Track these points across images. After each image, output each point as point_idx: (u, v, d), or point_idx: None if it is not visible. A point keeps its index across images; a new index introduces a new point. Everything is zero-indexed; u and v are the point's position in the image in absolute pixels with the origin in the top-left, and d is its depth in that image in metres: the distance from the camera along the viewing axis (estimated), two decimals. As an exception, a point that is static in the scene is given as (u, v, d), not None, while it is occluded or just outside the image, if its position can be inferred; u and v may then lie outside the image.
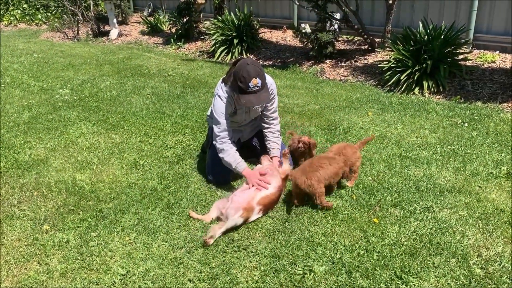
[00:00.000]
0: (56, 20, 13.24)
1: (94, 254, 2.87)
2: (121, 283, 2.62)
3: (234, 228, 3.06)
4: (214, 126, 3.53)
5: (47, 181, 3.85)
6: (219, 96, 3.50)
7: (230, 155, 3.49)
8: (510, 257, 2.69)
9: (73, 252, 2.90)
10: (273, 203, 3.31)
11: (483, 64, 6.41)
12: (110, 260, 2.81)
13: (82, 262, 2.81)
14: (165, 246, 2.93)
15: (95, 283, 2.62)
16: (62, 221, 3.25)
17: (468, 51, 6.70)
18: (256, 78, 3.24)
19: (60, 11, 13.60)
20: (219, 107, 3.50)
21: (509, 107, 5.25)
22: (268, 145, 3.81)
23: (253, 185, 3.31)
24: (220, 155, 3.51)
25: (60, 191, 3.69)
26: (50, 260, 2.83)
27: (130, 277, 2.66)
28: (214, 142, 3.55)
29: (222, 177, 3.69)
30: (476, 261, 2.68)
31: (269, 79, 3.57)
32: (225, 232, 3.01)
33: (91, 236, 3.06)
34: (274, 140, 3.81)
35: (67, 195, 3.61)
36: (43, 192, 3.67)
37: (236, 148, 3.57)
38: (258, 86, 3.27)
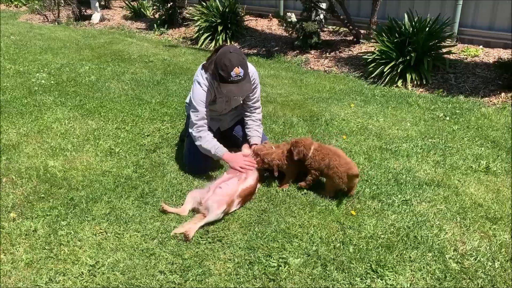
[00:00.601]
0: (36, 2, 12.83)
1: (62, 244, 2.77)
2: (89, 274, 2.53)
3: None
4: (191, 113, 3.42)
5: (17, 167, 3.71)
6: (198, 83, 3.40)
7: (208, 141, 3.40)
8: (486, 252, 2.68)
9: (41, 241, 2.79)
10: (251, 195, 3.24)
11: (466, 58, 6.41)
12: (79, 250, 2.71)
13: (49, 251, 2.70)
14: (137, 237, 2.84)
15: (62, 274, 2.52)
16: (30, 209, 3.13)
17: (452, 44, 6.69)
18: (238, 67, 3.13)
19: (40, -7, 13.19)
20: (198, 94, 3.39)
21: (490, 101, 5.26)
22: (248, 133, 3.73)
23: (240, 168, 3.24)
24: (197, 143, 3.42)
25: (30, 177, 3.55)
26: (16, 249, 2.72)
27: (99, 268, 2.57)
28: (190, 130, 3.45)
29: (199, 167, 3.59)
30: (452, 256, 2.65)
31: (251, 68, 3.47)
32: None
33: (61, 225, 2.95)
34: (255, 128, 3.73)
35: (38, 182, 3.48)
36: (13, 178, 3.54)
37: (213, 134, 3.47)
38: (240, 76, 3.16)
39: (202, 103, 3.39)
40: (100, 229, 2.91)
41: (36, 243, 2.77)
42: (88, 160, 3.86)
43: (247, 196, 3.18)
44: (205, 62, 3.44)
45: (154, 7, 10.79)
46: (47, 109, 5.03)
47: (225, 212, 2.99)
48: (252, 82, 3.51)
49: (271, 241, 2.78)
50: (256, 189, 3.31)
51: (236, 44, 8.68)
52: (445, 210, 3.10)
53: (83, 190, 3.37)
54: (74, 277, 2.50)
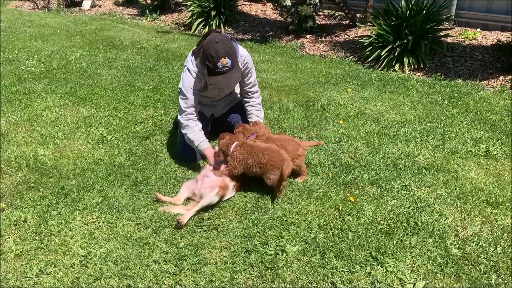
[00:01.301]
0: (26, -12, 12.58)
1: (53, 234, 2.69)
2: (80, 264, 2.45)
3: (206, 207, 2.90)
4: (180, 100, 3.32)
5: (6, 156, 3.61)
6: (188, 70, 3.29)
7: (194, 132, 3.31)
8: (488, 237, 2.62)
9: (31, 231, 2.71)
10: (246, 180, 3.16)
11: (464, 41, 6.31)
12: (70, 240, 2.63)
13: (39, 242, 2.62)
14: (130, 226, 2.76)
15: (53, 265, 2.44)
16: (20, 199, 3.04)
17: (449, 27, 6.59)
18: (225, 58, 3.00)
19: (29, -21, 12.90)
20: (188, 81, 3.28)
21: (489, 84, 5.18)
22: (249, 119, 3.64)
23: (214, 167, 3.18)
24: (184, 131, 3.33)
25: (20, 166, 3.45)
26: (5, 240, 2.64)
27: (91, 258, 2.49)
28: (179, 117, 3.36)
29: (191, 155, 3.50)
30: (454, 241, 2.59)
31: (243, 52, 3.36)
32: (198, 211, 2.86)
33: (51, 214, 2.87)
34: (255, 113, 3.64)
35: (28, 171, 3.38)
36: (2, 167, 3.44)
37: (201, 127, 3.37)
38: (227, 66, 3.03)
39: (191, 90, 3.28)
40: (92, 218, 2.83)
41: (26, 234, 2.69)
42: (79, 148, 3.76)
43: (241, 181, 3.10)
44: (195, 48, 3.32)
45: (146, -7, 10.58)
46: (37, 97, 4.91)
47: (220, 196, 2.92)
48: (245, 67, 3.41)
49: (268, 228, 2.71)
50: None
51: (230, 30, 8.53)
52: (445, 195, 3.04)
53: (74, 179, 3.28)
54: (66, 268, 2.42)
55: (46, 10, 11.14)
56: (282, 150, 3.05)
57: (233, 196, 3.05)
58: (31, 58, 6.53)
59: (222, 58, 2.99)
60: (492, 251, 2.51)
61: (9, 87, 5.21)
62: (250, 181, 3.17)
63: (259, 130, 3.36)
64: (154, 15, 9.74)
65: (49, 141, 3.89)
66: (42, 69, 5.99)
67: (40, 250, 2.55)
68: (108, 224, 2.77)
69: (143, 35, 8.27)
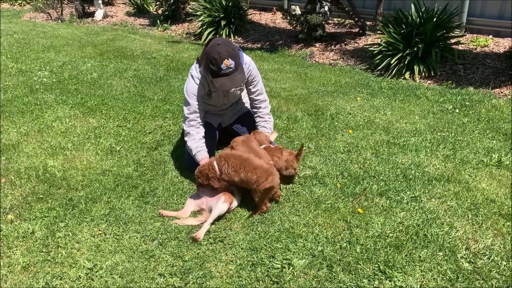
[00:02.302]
0: (40, 0, 12.80)
1: (60, 246, 2.69)
2: (86, 277, 2.45)
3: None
4: (184, 107, 3.34)
5: (16, 168, 3.64)
6: (191, 76, 3.32)
7: (194, 140, 3.30)
8: (500, 251, 2.56)
9: (38, 244, 2.72)
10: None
11: (475, 49, 6.23)
12: (76, 253, 2.64)
13: (46, 254, 2.63)
14: (136, 238, 2.75)
15: (59, 278, 2.44)
16: (28, 211, 3.06)
17: (460, 34, 6.51)
18: (228, 59, 3.02)
19: (43, -10, 13.13)
20: (190, 87, 3.30)
21: (501, 92, 5.10)
22: (258, 129, 3.63)
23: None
24: (185, 138, 3.35)
25: (29, 178, 3.48)
26: (13, 252, 2.65)
27: (96, 271, 2.49)
28: (183, 124, 3.37)
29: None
30: (464, 255, 2.54)
31: (246, 58, 3.37)
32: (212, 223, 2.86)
33: (59, 226, 2.88)
34: (263, 125, 3.63)
35: (37, 183, 3.41)
36: (12, 179, 3.47)
37: (203, 135, 3.36)
38: (231, 68, 3.05)
39: (193, 96, 3.29)
40: (99, 230, 2.83)
41: (33, 246, 2.70)
42: (88, 159, 3.78)
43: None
44: (199, 56, 3.35)
45: (157, 3, 10.68)
46: (48, 108, 4.96)
47: (229, 203, 2.91)
48: (249, 74, 3.40)
49: (274, 241, 2.68)
50: None
51: (239, 39, 8.56)
52: (456, 207, 2.98)
53: (83, 190, 3.30)
54: (71, 280, 2.42)
55: (60, 21, 11.30)
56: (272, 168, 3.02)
57: (238, 204, 3.03)
58: (44, 69, 6.62)
59: (226, 59, 3.01)
60: (504, 265, 2.44)
61: (21, 98, 5.28)
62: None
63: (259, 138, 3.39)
64: (165, 25, 9.82)
65: (58, 152, 3.92)
66: (54, 79, 6.06)
67: (47, 263, 2.56)
68: (115, 236, 2.77)
69: (153, 45, 8.34)
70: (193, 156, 3.32)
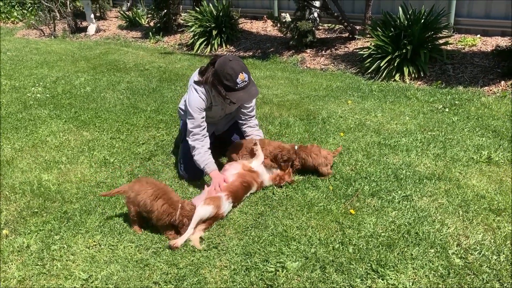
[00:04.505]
0: (32, 17, 12.89)
1: (55, 259, 2.71)
2: (82, 288, 2.46)
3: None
4: (188, 120, 3.35)
5: (11, 183, 3.66)
6: (195, 90, 3.31)
7: (201, 154, 3.32)
8: (491, 245, 2.58)
9: (33, 257, 2.73)
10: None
11: (464, 48, 6.31)
12: (72, 265, 2.65)
13: (42, 267, 2.64)
14: (131, 248, 2.77)
15: (55, 290, 2.46)
16: (23, 225, 3.07)
17: (448, 35, 6.59)
18: (242, 73, 3.08)
19: (36, 7, 13.24)
20: (195, 101, 3.30)
21: (490, 90, 5.16)
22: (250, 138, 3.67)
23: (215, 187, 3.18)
24: (192, 152, 3.35)
25: (24, 192, 3.50)
26: (8, 267, 2.66)
27: (92, 282, 2.50)
28: (187, 138, 3.38)
29: (194, 172, 3.52)
30: (456, 251, 2.56)
31: None
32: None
33: (54, 239, 2.89)
34: (256, 133, 3.68)
35: (32, 197, 3.43)
36: (6, 194, 3.49)
37: (209, 146, 3.39)
38: (246, 81, 3.11)
39: (198, 110, 3.30)
40: (94, 241, 2.85)
41: (29, 260, 2.71)
42: (82, 172, 3.80)
43: (236, 193, 3.10)
44: (199, 76, 3.33)
45: (149, 15, 10.79)
46: (42, 123, 4.99)
47: (211, 205, 2.89)
48: None
49: (268, 245, 2.71)
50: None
51: (231, 48, 8.63)
52: (446, 204, 3.01)
53: (77, 203, 3.32)
54: (67, 292, 2.44)
55: (53, 37, 11.38)
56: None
57: (231, 209, 3.05)
58: (37, 84, 6.66)
59: (240, 73, 3.06)
60: (495, 260, 2.47)
61: (15, 114, 5.31)
62: (252, 196, 3.19)
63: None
64: (157, 37, 9.90)
65: (53, 166, 3.94)
66: (48, 95, 6.10)
67: (42, 276, 2.57)
68: (110, 247, 2.79)
69: (146, 57, 8.41)
70: (202, 168, 3.34)
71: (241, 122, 3.71)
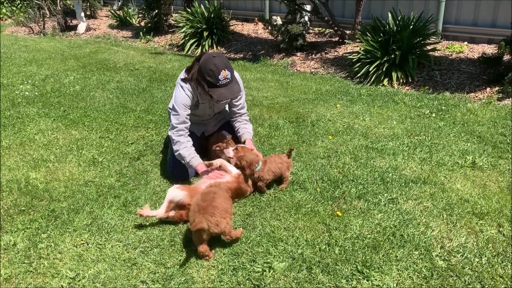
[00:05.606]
0: (22, 14, 12.76)
1: (42, 257, 2.70)
2: (69, 286, 2.46)
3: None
4: (172, 116, 3.38)
5: (-2, 181, 3.64)
6: (181, 87, 3.36)
7: (186, 148, 3.35)
8: (473, 248, 2.64)
9: (20, 255, 2.73)
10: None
11: (451, 55, 6.41)
12: (59, 263, 2.65)
13: (28, 265, 2.63)
14: (118, 247, 2.78)
15: (41, 288, 2.46)
16: (10, 223, 3.06)
17: (436, 41, 6.70)
18: (225, 70, 3.12)
19: (25, 5, 13.11)
20: (181, 98, 3.34)
21: (476, 97, 5.25)
22: (239, 131, 3.68)
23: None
24: (175, 147, 3.37)
25: (11, 191, 3.48)
26: (-6, 265, 2.65)
27: (79, 280, 2.51)
28: (169, 133, 3.41)
29: (182, 173, 3.54)
30: (439, 253, 2.62)
31: (236, 74, 3.44)
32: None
33: (41, 237, 2.89)
34: (243, 127, 3.69)
35: (19, 195, 3.41)
36: (-7, 192, 3.47)
37: (192, 143, 3.42)
38: (228, 78, 3.15)
39: (183, 107, 3.34)
40: (81, 240, 2.85)
41: (15, 258, 2.71)
42: (70, 171, 3.79)
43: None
44: (188, 65, 3.39)
45: (140, 15, 10.75)
46: (30, 121, 4.96)
47: (181, 191, 2.93)
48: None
49: (255, 245, 2.73)
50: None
51: (222, 49, 8.65)
52: (431, 207, 3.07)
53: (65, 201, 3.31)
54: (54, 290, 2.44)
55: (42, 34, 11.28)
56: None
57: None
58: (26, 82, 6.61)
59: (223, 70, 3.11)
60: (477, 262, 2.53)
61: (2, 112, 5.26)
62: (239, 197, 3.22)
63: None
64: (148, 37, 9.88)
65: (41, 164, 3.92)
66: (36, 93, 6.06)
67: (29, 274, 2.57)
68: (97, 246, 2.79)
69: (136, 56, 8.39)
70: (187, 163, 3.36)
71: (232, 119, 3.75)
